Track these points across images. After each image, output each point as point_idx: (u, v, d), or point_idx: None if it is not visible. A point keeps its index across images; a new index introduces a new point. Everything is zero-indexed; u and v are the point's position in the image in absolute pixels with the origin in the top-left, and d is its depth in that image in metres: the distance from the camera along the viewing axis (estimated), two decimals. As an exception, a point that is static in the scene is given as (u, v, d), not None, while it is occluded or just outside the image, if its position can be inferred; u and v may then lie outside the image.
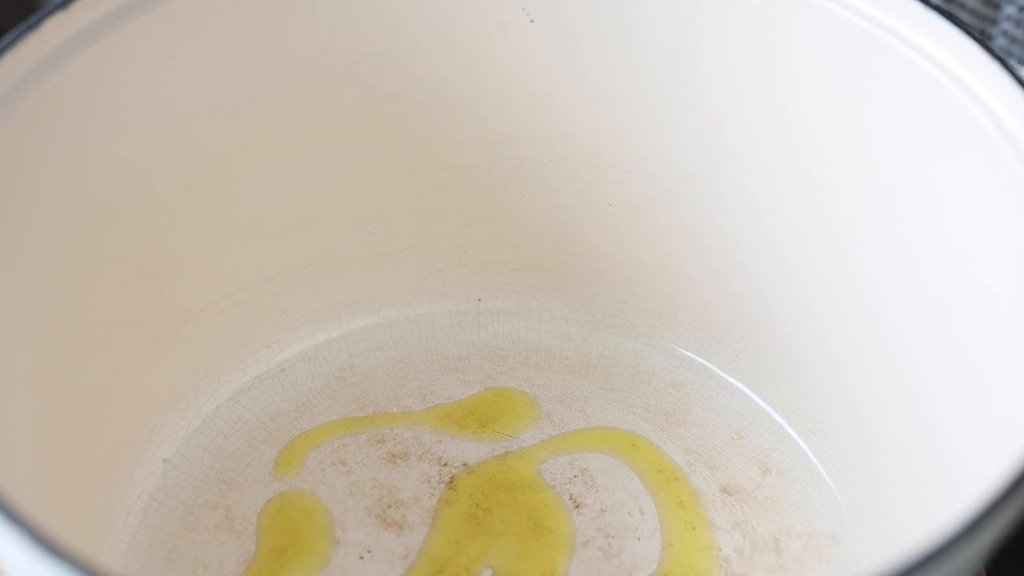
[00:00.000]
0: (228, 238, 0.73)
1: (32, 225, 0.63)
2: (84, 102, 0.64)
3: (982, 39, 0.62)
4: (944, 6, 0.74)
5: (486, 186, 0.76)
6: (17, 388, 0.62)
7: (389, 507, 0.71)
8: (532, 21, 0.70)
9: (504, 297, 0.79)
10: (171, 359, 0.73)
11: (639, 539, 0.70)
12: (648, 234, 0.76)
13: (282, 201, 0.74)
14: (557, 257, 0.78)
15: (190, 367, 0.74)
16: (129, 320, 0.70)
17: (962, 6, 0.69)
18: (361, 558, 0.69)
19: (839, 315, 0.71)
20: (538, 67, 0.72)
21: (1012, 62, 0.61)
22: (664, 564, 0.69)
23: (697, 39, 0.69)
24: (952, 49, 0.62)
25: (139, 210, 0.69)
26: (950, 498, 0.61)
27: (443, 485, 0.71)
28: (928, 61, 0.63)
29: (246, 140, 0.71)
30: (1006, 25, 0.71)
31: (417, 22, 0.70)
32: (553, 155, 0.75)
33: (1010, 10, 0.65)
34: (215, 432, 0.74)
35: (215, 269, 0.74)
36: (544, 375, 0.77)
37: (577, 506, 0.71)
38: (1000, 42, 0.72)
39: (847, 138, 0.67)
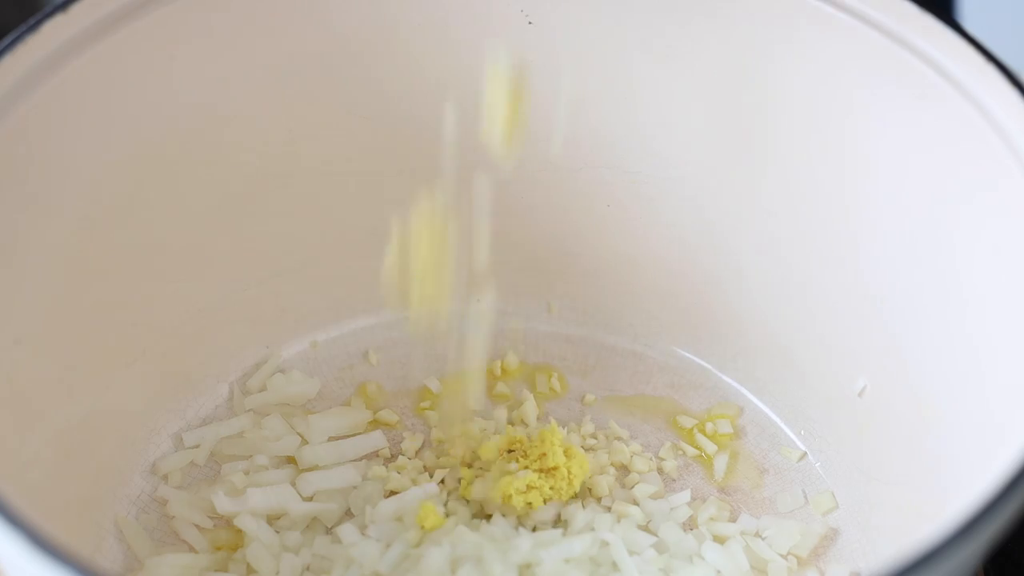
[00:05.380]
0: (228, 238, 0.73)
1: (32, 225, 0.64)
2: (84, 103, 0.64)
3: (978, 41, 0.62)
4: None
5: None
6: (17, 388, 0.62)
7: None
8: (530, 23, 0.70)
9: (503, 298, 0.79)
10: (171, 359, 0.73)
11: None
12: (647, 235, 0.76)
13: (281, 201, 0.74)
14: (556, 258, 0.78)
15: (190, 367, 0.74)
16: (129, 320, 0.70)
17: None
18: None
19: (838, 316, 0.71)
20: (537, 68, 0.72)
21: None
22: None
23: (695, 41, 0.69)
24: (949, 51, 0.62)
25: (139, 210, 0.69)
26: (948, 498, 0.61)
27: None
28: (925, 63, 0.63)
29: (245, 140, 0.71)
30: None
31: (416, 23, 0.70)
32: (552, 156, 0.75)
33: None
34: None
35: (215, 269, 0.74)
36: (542, 376, 0.77)
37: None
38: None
39: (846, 139, 0.68)
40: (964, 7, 0.95)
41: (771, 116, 0.69)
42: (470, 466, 0.72)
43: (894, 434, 0.69)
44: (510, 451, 0.71)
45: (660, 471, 0.73)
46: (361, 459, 0.73)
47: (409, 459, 0.72)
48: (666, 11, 0.68)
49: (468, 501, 0.71)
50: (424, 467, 0.72)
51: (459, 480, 0.71)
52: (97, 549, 0.68)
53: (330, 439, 0.74)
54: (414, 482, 0.70)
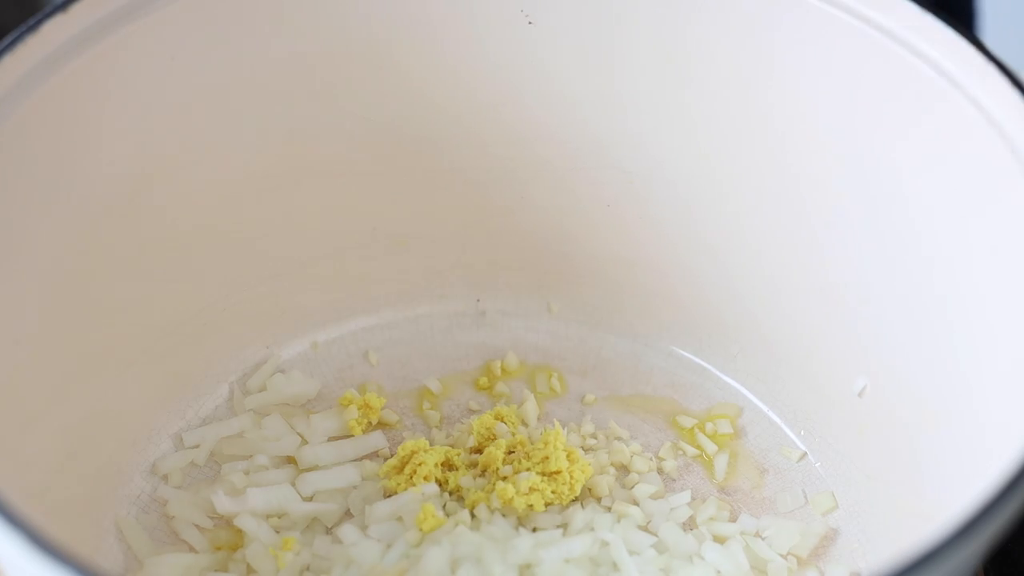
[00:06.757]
0: (228, 238, 0.73)
1: (32, 225, 0.64)
2: (84, 103, 0.64)
3: (977, 40, 0.62)
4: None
5: (485, 187, 0.76)
6: (17, 388, 0.62)
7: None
8: (530, 23, 0.70)
9: (503, 298, 0.80)
10: (171, 359, 0.73)
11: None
12: (647, 235, 0.76)
13: (282, 201, 0.74)
14: (555, 258, 0.78)
15: (190, 367, 0.74)
16: (129, 321, 0.70)
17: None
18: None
19: (838, 317, 0.71)
20: (536, 69, 0.72)
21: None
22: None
23: (695, 41, 0.69)
24: (948, 50, 0.62)
25: (139, 211, 0.69)
26: (948, 498, 0.61)
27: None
28: (924, 62, 0.63)
29: (245, 141, 0.72)
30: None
31: (416, 23, 0.70)
32: (552, 156, 0.75)
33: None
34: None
35: (215, 269, 0.74)
36: (542, 376, 0.77)
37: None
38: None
39: (845, 139, 0.68)
40: (985, 21, 0.95)
41: (770, 116, 0.69)
42: (474, 465, 0.72)
43: (894, 434, 0.69)
44: (510, 452, 0.71)
45: (660, 471, 0.73)
46: (361, 459, 0.73)
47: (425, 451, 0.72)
48: (666, 11, 0.68)
49: (463, 498, 0.71)
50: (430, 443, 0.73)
51: (459, 485, 0.71)
52: (97, 549, 0.68)
53: (330, 439, 0.74)
54: (413, 483, 0.70)
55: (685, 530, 0.70)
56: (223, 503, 0.69)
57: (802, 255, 0.72)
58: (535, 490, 0.69)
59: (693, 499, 0.72)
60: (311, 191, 0.75)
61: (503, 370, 0.78)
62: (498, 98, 0.73)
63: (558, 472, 0.70)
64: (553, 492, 0.70)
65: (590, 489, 0.72)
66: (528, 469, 0.70)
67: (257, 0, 0.68)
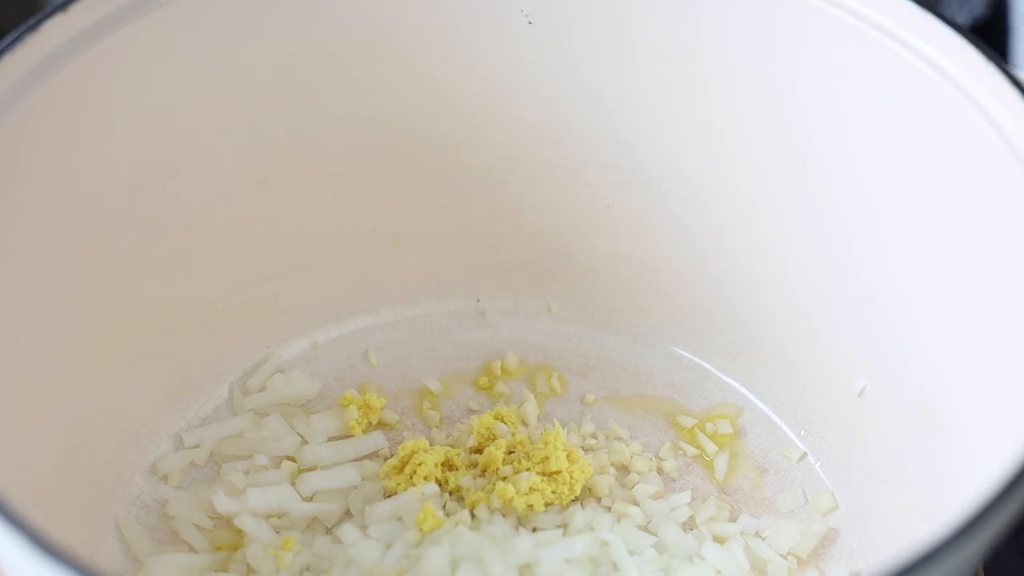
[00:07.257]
0: (227, 238, 0.73)
1: (32, 225, 0.64)
2: (84, 103, 0.64)
3: (977, 40, 0.62)
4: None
5: (485, 187, 0.76)
6: (17, 388, 0.63)
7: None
8: (530, 23, 0.70)
9: (502, 298, 0.80)
10: (171, 359, 0.73)
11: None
12: (646, 235, 0.76)
13: (281, 201, 0.74)
14: (555, 258, 0.78)
15: (190, 367, 0.74)
16: (129, 321, 0.70)
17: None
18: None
19: (837, 316, 0.71)
20: (536, 68, 0.72)
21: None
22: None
23: (694, 41, 0.69)
24: (948, 50, 0.62)
25: (138, 211, 0.69)
26: (948, 499, 0.61)
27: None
28: (925, 62, 0.63)
29: (245, 141, 0.72)
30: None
31: (416, 23, 0.70)
32: (551, 156, 0.75)
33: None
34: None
35: (215, 269, 0.74)
36: (542, 376, 0.77)
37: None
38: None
39: (846, 139, 0.68)
40: (1020, 51, 0.95)
41: (770, 116, 0.69)
42: (474, 465, 0.72)
43: (894, 434, 0.69)
44: (510, 452, 0.71)
45: (660, 471, 0.73)
46: (361, 459, 0.73)
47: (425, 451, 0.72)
48: (666, 11, 0.68)
49: (463, 498, 0.71)
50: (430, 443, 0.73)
51: (458, 485, 0.71)
52: (97, 549, 0.68)
53: (330, 439, 0.74)
54: (413, 483, 0.70)
55: (685, 530, 0.70)
56: (223, 503, 0.69)
57: (802, 255, 0.72)
58: (535, 490, 0.69)
59: (693, 499, 0.72)
60: (311, 191, 0.75)
61: (503, 370, 0.78)
62: (497, 98, 0.73)
63: (558, 472, 0.70)
64: (553, 492, 0.70)
65: (590, 489, 0.72)
66: (528, 469, 0.70)
67: (256, 0, 0.68)
